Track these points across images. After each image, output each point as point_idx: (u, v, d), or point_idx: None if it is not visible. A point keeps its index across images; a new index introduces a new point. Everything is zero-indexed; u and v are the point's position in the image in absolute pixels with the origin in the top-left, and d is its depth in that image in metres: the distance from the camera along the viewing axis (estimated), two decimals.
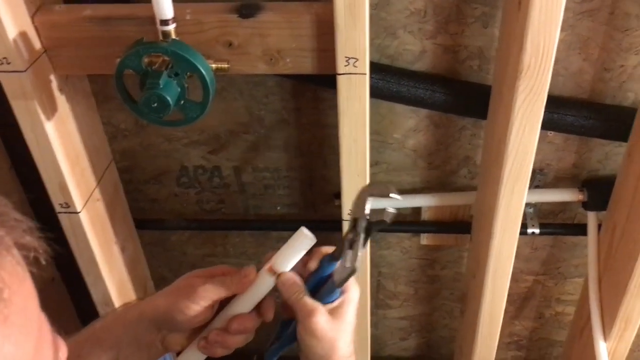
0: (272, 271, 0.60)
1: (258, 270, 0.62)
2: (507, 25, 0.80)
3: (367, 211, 0.58)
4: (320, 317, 0.58)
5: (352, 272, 0.58)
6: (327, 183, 1.16)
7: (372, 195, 0.59)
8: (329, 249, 0.64)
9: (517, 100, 0.76)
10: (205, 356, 0.65)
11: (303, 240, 0.60)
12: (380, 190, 0.59)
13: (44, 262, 0.36)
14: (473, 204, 1.09)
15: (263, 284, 0.61)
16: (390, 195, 0.58)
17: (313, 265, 0.63)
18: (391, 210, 0.57)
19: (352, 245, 0.58)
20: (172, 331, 0.63)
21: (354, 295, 0.62)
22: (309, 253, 0.62)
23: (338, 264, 0.60)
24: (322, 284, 0.62)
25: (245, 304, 0.62)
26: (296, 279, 0.61)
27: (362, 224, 0.58)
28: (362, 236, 0.58)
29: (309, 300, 0.59)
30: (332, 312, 0.60)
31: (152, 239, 1.29)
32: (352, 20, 0.73)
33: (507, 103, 0.79)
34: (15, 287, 0.34)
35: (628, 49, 0.93)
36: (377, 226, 0.58)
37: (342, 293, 0.61)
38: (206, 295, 0.61)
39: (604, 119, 0.97)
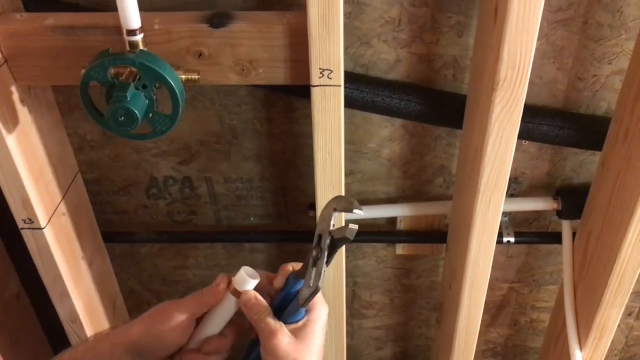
0: (234, 290, 0.60)
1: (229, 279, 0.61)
2: (482, 35, 0.80)
3: (331, 227, 0.57)
4: (282, 338, 0.56)
5: (315, 291, 0.57)
6: (300, 193, 1.14)
7: (336, 210, 0.57)
8: (295, 265, 0.62)
9: (494, 111, 0.75)
10: None
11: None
12: (344, 205, 0.57)
13: None
14: (449, 214, 1.08)
15: (229, 304, 0.60)
16: (354, 210, 0.56)
17: (278, 282, 0.61)
18: (353, 226, 0.56)
19: (316, 262, 0.57)
20: (147, 359, 0.61)
21: (321, 314, 0.60)
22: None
23: (303, 282, 0.58)
24: (288, 302, 0.60)
25: (214, 324, 0.61)
26: (258, 298, 0.59)
27: (326, 240, 0.57)
28: (326, 253, 0.57)
29: (271, 321, 0.57)
30: (296, 333, 0.58)
31: (121, 251, 1.25)
32: (326, 31, 0.71)
33: (484, 114, 0.78)
34: None
35: (601, 59, 0.93)
36: (340, 243, 0.57)
37: (308, 312, 0.59)
38: (180, 316, 0.60)
39: (578, 128, 0.97)
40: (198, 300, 0.61)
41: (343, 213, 0.59)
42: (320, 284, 0.56)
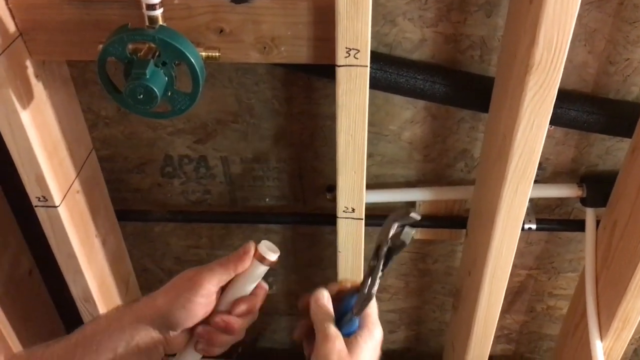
0: (260, 257, 0.61)
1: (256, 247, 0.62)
2: (515, 16, 0.76)
3: (389, 236, 0.57)
4: (337, 345, 0.56)
5: (368, 298, 0.57)
6: (318, 175, 1.12)
7: (395, 221, 0.57)
8: (352, 283, 0.63)
9: (526, 96, 0.72)
10: (200, 357, 0.64)
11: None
12: (402, 214, 0.58)
13: None
14: (470, 199, 1.06)
15: (255, 270, 0.62)
16: (411, 215, 0.57)
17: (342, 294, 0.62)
18: (409, 229, 0.56)
19: (372, 271, 0.57)
20: (173, 330, 0.60)
21: (373, 333, 0.58)
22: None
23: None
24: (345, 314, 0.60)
25: (243, 290, 0.62)
26: (328, 301, 0.60)
27: (384, 249, 0.57)
28: (382, 261, 0.56)
29: (332, 327, 0.57)
30: (347, 345, 0.57)
31: (134, 230, 1.24)
32: (354, 9, 0.68)
33: (514, 98, 0.75)
34: None
35: (635, 42, 0.89)
36: (398, 250, 0.57)
37: (362, 327, 0.58)
38: (206, 284, 0.59)
39: (608, 114, 0.94)
40: (225, 266, 0.61)
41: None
42: (374, 291, 0.57)
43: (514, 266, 1.22)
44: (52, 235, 0.94)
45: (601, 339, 1.01)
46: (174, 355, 0.64)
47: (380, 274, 0.57)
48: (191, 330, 0.62)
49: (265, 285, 0.64)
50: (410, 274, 1.28)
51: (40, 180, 0.87)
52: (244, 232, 1.23)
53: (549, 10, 0.66)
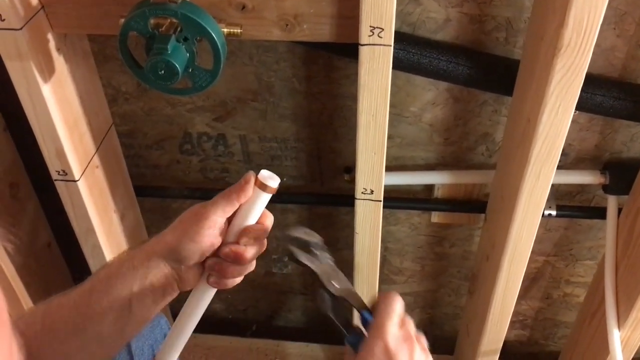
0: (261, 185, 0.61)
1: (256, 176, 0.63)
2: None
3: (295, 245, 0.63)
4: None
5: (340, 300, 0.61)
6: (336, 156, 1.11)
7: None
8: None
9: (553, 79, 0.71)
10: (214, 291, 0.65)
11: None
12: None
13: (11, 252, 0.31)
14: (490, 183, 1.05)
15: (258, 198, 0.62)
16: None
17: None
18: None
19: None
20: (184, 265, 0.61)
21: (371, 346, 0.56)
22: None
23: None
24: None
25: (248, 218, 0.62)
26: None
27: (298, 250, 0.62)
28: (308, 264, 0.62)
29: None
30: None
31: (151, 206, 1.24)
32: None
33: (541, 81, 0.73)
34: None
35: None
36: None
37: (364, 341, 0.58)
38: (212, 216, 0.60)
39: (635, 100, 0.92)
40: (227, 198, 0.61)
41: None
42: (332, 289, 0.62)
43: (532, 252, 1.20)
44: (71, 209, 0.95)
45: (619, 328, 1.00)
46: (189, 292, 0.65)
47: (322, 292, 0.61)
48: (203, 265, 0.63)
49: (271, 215, 0.64)
50: (427, 257, 1.27)
51: (61, 154, 0.87)
52: None
53: None
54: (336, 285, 0.61)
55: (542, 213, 0.95)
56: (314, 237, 0.64)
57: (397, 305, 0.58)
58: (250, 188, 0.61)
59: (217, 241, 0.61)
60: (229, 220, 0.62)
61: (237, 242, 0.61)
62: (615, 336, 0.99)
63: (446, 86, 0.98)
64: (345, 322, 0.61)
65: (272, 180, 0.62)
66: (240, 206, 0.62)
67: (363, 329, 0.59)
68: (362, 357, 0.55)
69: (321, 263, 0.63)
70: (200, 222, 0.60)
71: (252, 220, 0.62)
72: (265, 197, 0.62)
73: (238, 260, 0.61)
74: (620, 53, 0.91)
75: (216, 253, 0.62)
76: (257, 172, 0.62)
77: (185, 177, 1.18)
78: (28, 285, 1.12)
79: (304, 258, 0.63)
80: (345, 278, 0.63)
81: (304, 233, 0.64)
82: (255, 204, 0.62)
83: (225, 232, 0.62)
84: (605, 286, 1.01)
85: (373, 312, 0.58)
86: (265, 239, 0.63)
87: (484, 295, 1.05)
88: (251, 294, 1.43)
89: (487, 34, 0.91)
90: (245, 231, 0.61)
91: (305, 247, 0.63)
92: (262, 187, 0.61)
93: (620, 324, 0.99)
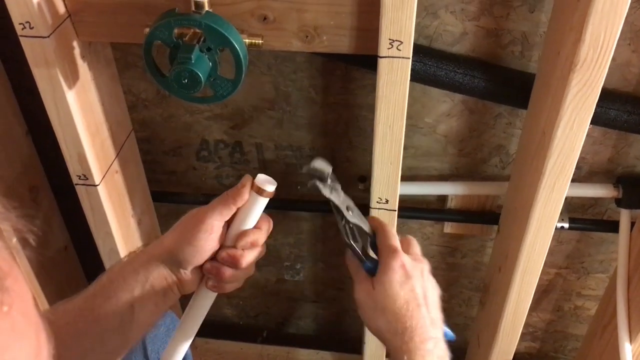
0: (258, 189, 0.62)
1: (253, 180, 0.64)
2: (561, 12, 0.75)
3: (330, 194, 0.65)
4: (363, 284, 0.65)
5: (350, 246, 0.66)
6: (351, 165, 1.12)
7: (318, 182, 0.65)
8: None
9: (569, 93, 0.72)
10: (215, 295, 0.66)
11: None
12: (316, 175, 0.65)
13: (33, 244, 0.32)
14: (504, 195, 1.06)
15: (255, 202, 0.63)
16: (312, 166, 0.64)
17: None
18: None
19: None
20: (183, 268, 0.62)
21: (391, 265, 0.63)
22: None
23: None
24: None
25: (245, 222, 0.63)
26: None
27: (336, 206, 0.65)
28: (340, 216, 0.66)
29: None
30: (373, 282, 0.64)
31: (168, 211, 1.26)
32: (400, 0, 0.68)
33: (556, 95, 0.75)
34: (14, 274, 0.30)
35: None
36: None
37: (380, 265, 0.64)
38: (210, 219, 0.61)
39: None
40: (224, 202, 0.62)
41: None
42: (348, 240, 0.66)
43: (544, 264, 1.22)
44: (90, 213, 0.96)
45: (630, 342, 1.00)
46: (191, 295, 0.66)
47: (343, 223, 0.65)
48: (202, 269, 0.64)
49: (270, 220, 0.65)
50: (439, 267, 1.28)
51: (82, 159, 0.89)
52: (274, 218, 1.23)
53: (598, 7, 0.65)
54: (353, 216, 0.66)
55: (555, 225, 0.96)
56: (329, 168, 0.65)
57: (394, 230, 0.67)
58: (247, 192, 0.62)
59: (216, 245, 0.62)
60: (228, 224, 0.63)
61: (234, 246, 0.62)
62: (627, 350, 1.00)
63: (461, 98, 0.99)
64: (362, 250, 0.66)
65: (269, 184, 0.62)
66: (237, 210, 0.63)
67: (374, 255, 0.66)
68: (384, 272, 0.63)
69: (338, 195, 0.65)
70: (198, 226, 0.61)
71: (249, 224, 0.63)
72: (262, 201, 0.63)
73: (235, 264, 0.62)
74: (635, 68, 0.92)
75: (215, 257, 0.63)
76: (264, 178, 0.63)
77: (201, 183, 1.19)
78: (44, 286, 1.14)
79: (328, 193, 0.64)
80: (357, 208, 0.67)
81: (323, 164, 0.65)
82: (252, 208, 0.62)
83: (223, 236, 0.63)
84: (617, 299, 1.01)
85: (377, 237, 0.66)
86: (264, 244, 0.64)
87: (495, 307, 1.05)
88: (262, 300, 1.45)
89: (503, 47, 0.93)
90: (242, 235, 0.62)
91: (323, 179, 0.64)
92: (259, 191, 0.62)
93: (631, 337, 1.00)
